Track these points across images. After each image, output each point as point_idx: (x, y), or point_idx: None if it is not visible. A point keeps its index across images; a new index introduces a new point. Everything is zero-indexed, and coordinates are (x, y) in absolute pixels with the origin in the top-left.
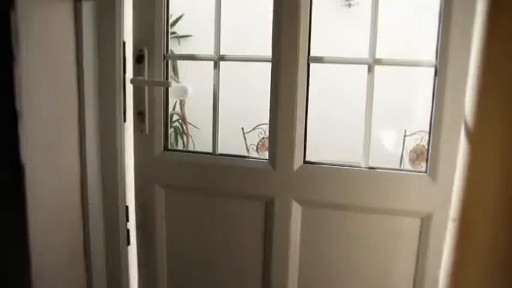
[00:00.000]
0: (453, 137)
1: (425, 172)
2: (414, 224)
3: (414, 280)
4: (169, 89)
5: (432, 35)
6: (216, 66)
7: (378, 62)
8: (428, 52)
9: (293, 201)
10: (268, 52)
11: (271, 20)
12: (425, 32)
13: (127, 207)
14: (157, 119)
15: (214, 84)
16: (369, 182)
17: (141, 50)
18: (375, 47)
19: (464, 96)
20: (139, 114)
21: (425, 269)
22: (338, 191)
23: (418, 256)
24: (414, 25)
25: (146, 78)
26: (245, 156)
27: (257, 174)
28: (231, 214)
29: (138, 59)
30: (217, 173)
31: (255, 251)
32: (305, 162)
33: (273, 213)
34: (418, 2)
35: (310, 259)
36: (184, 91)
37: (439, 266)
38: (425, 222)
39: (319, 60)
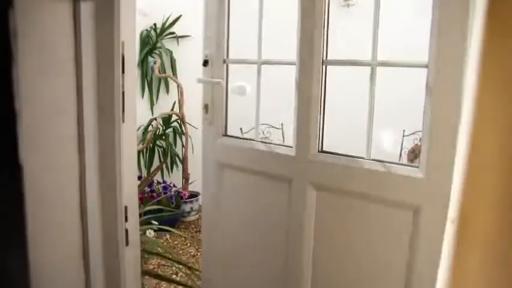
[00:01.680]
0: (443, 134)
1: (417, 167)
2: (407, 215)
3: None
4: (230, 86)
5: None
6: (259, 69)
7: (382, 63)
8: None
9: (308, 184)
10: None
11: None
12: (424, 32)
13: (126, 207)
14: (218, 110)
15: (257, 86)
16: (370, 173)
17: (206, 56)
18: (377, 49)
19: (456, 93)
20: (205, 107)
21: (417, 256)
22: (345, 178)
23: (411, 245)
24: (412, 25)
25: (209, 78)
26: (279, 144)
27: (283, 159)
28: (266, 191)
29: (204, 63)
30: (256, 156)
31: (280, 225)
32: (320, 151)
33: (292, 193)
34: (416, 2)
35: (321, 236)
36: (243, 89)
37: (430, 255)
38: (416, 214)
39: (333, 62)
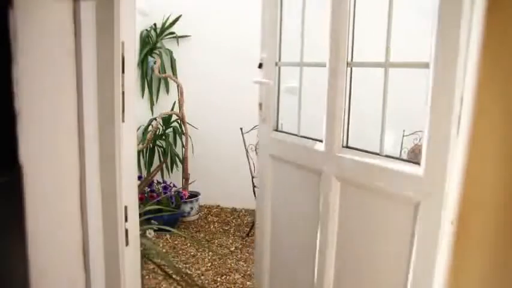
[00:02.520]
0: (444, 133)
1: (419, 164)
2: (409, 210)
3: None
4: (283, 86)
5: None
6: (301, 71)
7: (393, 65)
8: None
9: (333, 176)
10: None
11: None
12: (424, 31)
13: (126, 207)
14: (270, 108)
15: (299, 87)
16: (380, 168)
17: (262, 59)
18: (390, 51)
19: (456, 94)
20: (260, 105)
21: (417, 253)
22: (360, 172)
23: (411, 240)
24: (412, 25)
25: (262, 79)
26: (313, 139)
27: (316, 153)
28: (299, 182)
29: (259, 65)
30: (296, 149)
31: (311, 214)
32: (345, 146)
33: (321, 186)
34: (417, 2)
35: (344, 225)
36: (296, 89)
37: (428, 252)
38: (416, 210)
39: (357, 64)
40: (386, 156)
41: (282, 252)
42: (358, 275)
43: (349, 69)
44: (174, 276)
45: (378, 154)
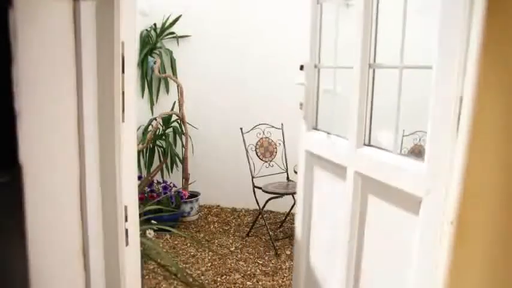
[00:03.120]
0: (443, 130)
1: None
2: (413, 208)
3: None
4: (324, 88)
5: (431, 33)
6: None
7: (406, 67)
8: (426, 51)
9: (356, 173)
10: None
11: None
12: (426, 31)
13: (126, 207)
14: (309, 107)
15: (333, 89)
16: (392, 166)
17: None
18: (403, 52)
19: (454, 92)
20: (300, 105)
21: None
22: (374, 168)
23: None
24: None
25: (303, 81)
26: (342, 136)
27: (340, 150)
28: (329, 178)
29: (301, 67)
30: (328, 147)
31: (338, 210)
32: (367, 144)
33: (346, 181)
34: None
35: (365, 221)
36: (334, 91)
37: (429, 251)
38: (418, 207)
39: (379, 66)
40: (400, 154)
41: (318, 245)
42: (371, 274)
43: (371, 70)
44: (177, 275)
45: (390, 151)
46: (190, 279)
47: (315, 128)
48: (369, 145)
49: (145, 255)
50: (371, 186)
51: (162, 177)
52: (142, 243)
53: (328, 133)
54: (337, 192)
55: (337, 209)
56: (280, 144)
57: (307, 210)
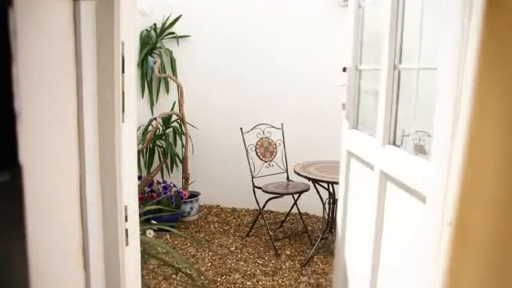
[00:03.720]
0: (443, 130)
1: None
2: (419, 204)
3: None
4: (364, 89)
5: (433, 34)
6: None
7: (422, 68)
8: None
9: (380, 172)
10: None
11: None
12: (427, 32)
13: (126, 207)
14: (350, 108)
15: (358, 88)
16: (407, 165)
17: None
18: (420, 54)
19: (453, 92)
20: (343, 105)
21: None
22: (397, 168)
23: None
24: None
25: (345, 83)
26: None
27: (370, 148)
28: (362, 177)
29: (344, 69)
30: (361, 145)
31: (368, 208)
32: (392, 143)
33: (373, 181)
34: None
35: (386, 219)
36: (375, 93)
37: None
38: (423, 205)
39: (404, 68)
40: (414, 154)
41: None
42: (387, 272)
43: (396, 72)
44: (182, 271)
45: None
46: (195, 275)
47: (355, 128)
48: (394, 144)
49: (148, 254)
50: (391, 184)
51: (162, 177)
52: (143, 243)
53: (365, 132)
54: (367, 189)
55: (367, 207)
56: (280, 144)
57: (346, 208)
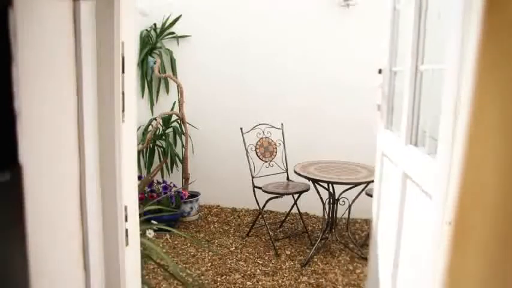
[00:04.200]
0: (443, 130)
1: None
2: (428, 203)
3: None
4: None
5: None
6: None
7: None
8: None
9: (402, 171)
10: None
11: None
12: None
13: (126, 207)
14: (384, 109)
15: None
16: (420, 164)
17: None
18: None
19: (453, 92)
20: (378, 106)
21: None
22: (414, 167)
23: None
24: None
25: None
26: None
27: (396, 148)
28: (391, 176)
29: (379, 71)
30: (391, 146)
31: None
32: (413, 143)
33: (396, 177)
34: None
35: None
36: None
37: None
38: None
39: (421, 70)
40: (429, 154)
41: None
42: (405, 269)
43: (418, 73)
44: (175, 276)
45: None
46: (190, 280)
47: (389, 129)
48: (415, 144)
49: (146, 255)
50: (411, 183)
51: (162, 177)
52: (142, 243)
53: (396, 133)
54: (394, 188)
55: (393, 206)
56: (280, 144)
57: (379, 207)
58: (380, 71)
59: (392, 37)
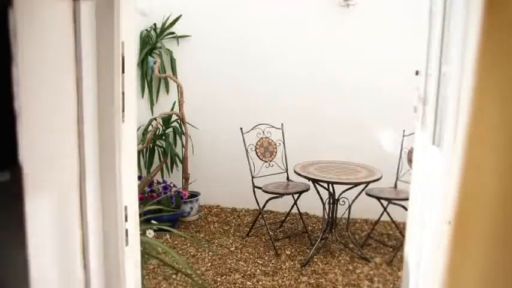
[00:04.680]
0: (444, 130)
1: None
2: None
3: None
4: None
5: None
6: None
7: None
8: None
9: (425, 169)
10: None
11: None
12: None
13: (126, 207)
14: (421, 110)
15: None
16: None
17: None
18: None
19: (452, 93)
20: (414, 108)
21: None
22: (431, 165)
23: None
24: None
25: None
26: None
27: (426, 148)
28: None
29: (416, 72)
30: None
31: None
32: (436, 144)
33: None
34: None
35: None
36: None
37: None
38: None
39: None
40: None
41: None
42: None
43: (442, 75)
44: (181, 271)
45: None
46: (194, 275)
47: (423, 130)
48: (438, 145)
49: (148, 254)
50: (430, 184)
51: (162, 177)
52: (143, 243)
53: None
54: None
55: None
56: (280, 144)
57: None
58: (417, 73)
59: (429, 39)
